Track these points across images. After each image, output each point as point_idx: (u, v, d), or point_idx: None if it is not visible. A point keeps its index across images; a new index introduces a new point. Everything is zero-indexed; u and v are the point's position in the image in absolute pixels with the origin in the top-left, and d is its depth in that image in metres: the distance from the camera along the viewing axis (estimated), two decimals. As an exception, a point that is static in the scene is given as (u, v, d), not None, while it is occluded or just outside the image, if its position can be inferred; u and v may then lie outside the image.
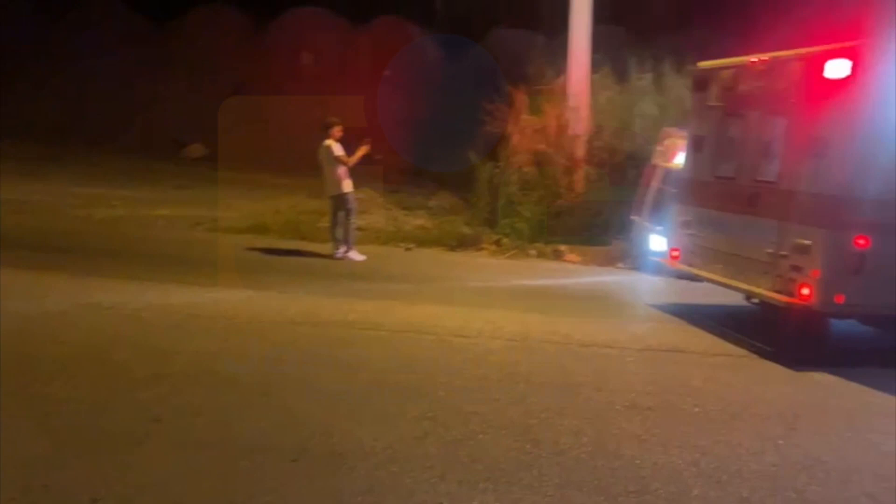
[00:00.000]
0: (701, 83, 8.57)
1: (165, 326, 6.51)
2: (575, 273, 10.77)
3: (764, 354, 6.92)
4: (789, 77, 7.14)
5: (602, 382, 5.74)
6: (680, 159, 10.74)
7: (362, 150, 10.39)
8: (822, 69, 6.73)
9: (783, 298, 7.00)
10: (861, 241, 6.66)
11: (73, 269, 8.45)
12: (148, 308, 6.99)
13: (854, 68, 6.50)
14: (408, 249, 11.59)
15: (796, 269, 6.91)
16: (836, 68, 6.61)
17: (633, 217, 11.54)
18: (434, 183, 19.42)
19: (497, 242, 12.15)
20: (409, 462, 4.07)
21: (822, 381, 6.28)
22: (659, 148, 11.27)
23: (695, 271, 8.44)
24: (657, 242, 10.90)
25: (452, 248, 11.86)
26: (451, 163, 19.69)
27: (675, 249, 8.78)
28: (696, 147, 8.63)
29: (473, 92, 20.86)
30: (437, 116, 22.68)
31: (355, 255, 10.43)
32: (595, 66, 14.65)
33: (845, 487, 4.19)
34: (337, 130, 10.46)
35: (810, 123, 6.88)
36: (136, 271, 8.55)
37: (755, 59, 7.72)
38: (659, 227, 10.92)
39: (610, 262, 11.72)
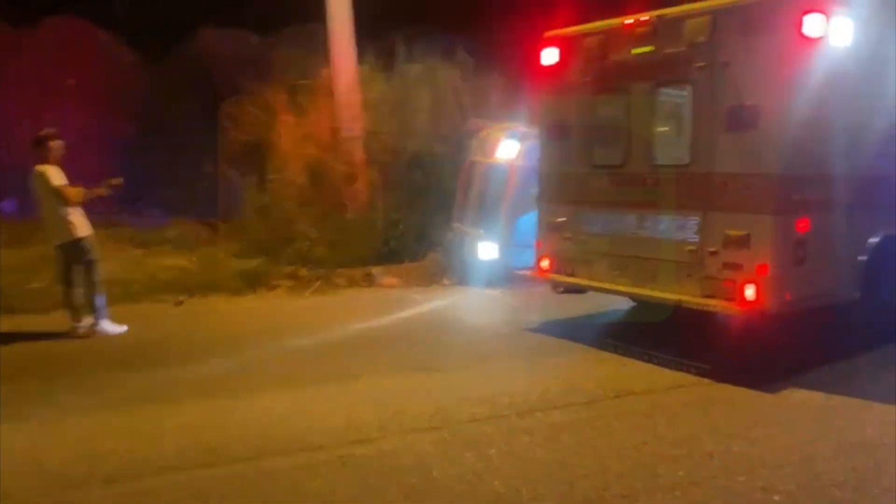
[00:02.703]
0: (550, 58, 7.07)
1: None
2: (407, 301, 8.73)
3: (715, 376, 5.64)
4: (693, 37, 5.89)
5: (619, 476, 3.87)
6: (504, 152, 9.36)
7: (100, 189, 7.23)
8: (744, 24, 5.59)
9: (721, 305, 5.79)
10: (802, 225, 5.68)
11: None
12: None
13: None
14: (179, 304, 8.57)
15: (732, 266, 5.72)
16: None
17: (454, 224, 9.86)
18: (160, 208, 15.94)
19: (293, 275, 9.62)
20: None
21: (811, 403, 5.11)
22: (475, 142, 9.71)
23: (580, 282, 6.98)
24: (486, 251, 9.41)
25: (237, 293, 9.07)
26: (178, 181, 16.32)
27: (546, 257, 7.25)
28: (557, 134, 7.14)
29: (192, 99, 17.81)
30: (148, 129, 18.93)
31: (110, 326, 7.24)
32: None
33: None
34: (57, 148, 7.13)
35: (731, 90, 5.70)
36: None
37: (631, 21, 6.41)
38: (485, 233, 9.42)
39: (432, 279, 9.90)
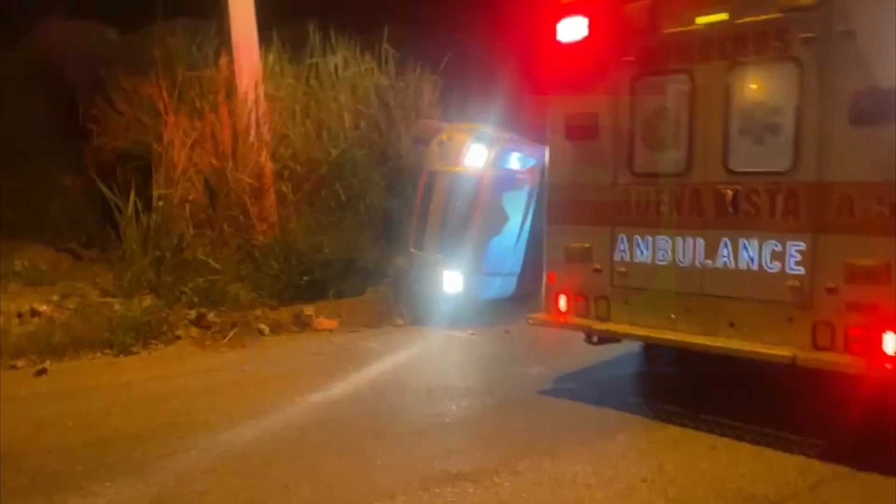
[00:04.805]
0: (573, 32, 5.36)
1: None
2: (361, 352, 6.71)
3: (844, 459, 4.13)
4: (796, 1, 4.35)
5: None
6: (472, 160, 7.56)
7: None
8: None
9: (848, 361, 4.25)
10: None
11: None
12: None
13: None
14: (40, 374, 6.07)
15: (862, 308, 4.22)
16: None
17: (409, 249, 7.92)
18: (-1, 232, 12.81)
19: (199, 321, 7.30)
20: None
21: None
22: (434, 148, 7.83)
23: (621, 331, 5.27)
24: (450, 281, 7.58)
25: (124, 350, 6.67)
26: (23, 198, 13.24)
27: (565, 294, 5.49)
28: (580, 134, 5.41)
29: (36, 99, 14.78)
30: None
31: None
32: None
33: None
34: None
35: (858, 69, 4.20)
36: None
37: (695, -19, 4.81)
38: (448, 259, 7.59)
39: (380, 319, 7.92)
